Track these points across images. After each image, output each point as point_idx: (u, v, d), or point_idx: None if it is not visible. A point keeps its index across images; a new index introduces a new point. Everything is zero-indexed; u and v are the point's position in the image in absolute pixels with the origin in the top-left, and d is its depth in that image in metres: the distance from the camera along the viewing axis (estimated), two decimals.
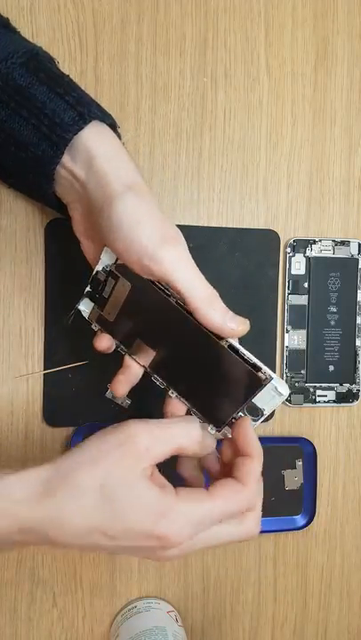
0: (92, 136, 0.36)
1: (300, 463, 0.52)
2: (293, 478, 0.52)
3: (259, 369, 0.35)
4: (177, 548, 0.32)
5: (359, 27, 0.52)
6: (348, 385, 0.53)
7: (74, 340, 0.47)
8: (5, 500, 0.31)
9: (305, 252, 0.52)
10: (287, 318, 0.52)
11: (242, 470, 0.35)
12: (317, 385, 0.52)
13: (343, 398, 0.53)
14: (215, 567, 0.52)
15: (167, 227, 0.35)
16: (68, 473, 0.32)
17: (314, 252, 0.52)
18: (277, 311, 0.52)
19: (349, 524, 0.55)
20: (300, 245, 0.52)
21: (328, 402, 0.53)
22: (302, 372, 0.52)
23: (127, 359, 0.40)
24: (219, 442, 0.38)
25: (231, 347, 0.35)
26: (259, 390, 0.35)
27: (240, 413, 0.37)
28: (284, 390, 0.36)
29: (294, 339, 0.52)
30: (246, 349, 0.36)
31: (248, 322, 0.36)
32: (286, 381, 0.51)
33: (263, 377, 0.35)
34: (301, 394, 0.52)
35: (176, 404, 0.39)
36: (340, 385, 0.53)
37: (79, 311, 0.41)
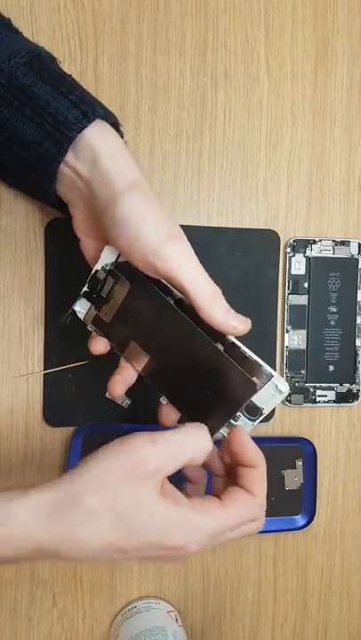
0: (96, 134, 0.36)
1: (300, 463, 0.52)
2: (293, 478, 0.52)
3: (256, 372, 0.35)
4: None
5: (359, 27, 0.52)
6: (348, 385, 0.53)
7: (74, 340, 0.47)
8: (14, 525, 0.30)
9: (305, 252, 0.52)
10: (287, 318, 0.52)
11: (249, 481, 0.35)
12: (317, 385, 0.52)
13: (343, 398, 0.53)
14: (215, 567, 0.52)
15: (171, 224, 0.35)
16: (77, 497, 0.31)
17: (314, 251, 0.52)
18: (277, 311, 0.52)
19: (349, 524, 0.55)
20: (300, 245, 0.52)
21: (328, 402, 0.53)
22: (302, 371, 0.52)
23: (123, 360, 0.40)
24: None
25: (233, 344, 0.36)
26: (253, 395, 0.36)
27: (233, 420, 0.37)
28: (285, 388, 0.36)
29: (294, 339, 0.52)
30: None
31: (250, 321, 0.36)
32: (286, 381, 0.51)
33: (258, 382, 0.35)
34: (301, 394, 0.52)
35: (169, 411, 0.39)
36: (340, 385, 0.53)
37: (75, 312, 0.41)
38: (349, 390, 0.53)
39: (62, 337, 0.48)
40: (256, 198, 0.51)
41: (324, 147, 0.52)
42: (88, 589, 0.50)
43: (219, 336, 0.36)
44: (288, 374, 0.52)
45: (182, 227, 0.37)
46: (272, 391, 0.36)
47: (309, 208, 0.52)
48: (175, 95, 0.49)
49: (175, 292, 0.37)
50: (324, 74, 0.52)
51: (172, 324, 0.36)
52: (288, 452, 0.52)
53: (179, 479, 0.37)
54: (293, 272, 0.52)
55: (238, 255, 0.51)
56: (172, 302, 0.36)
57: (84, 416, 0.49)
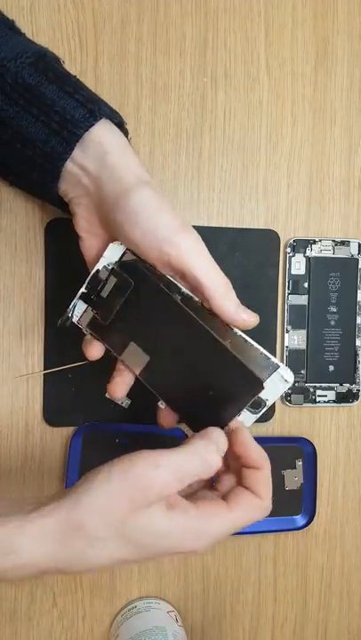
0: (102, 132, 0.36)
1: (300, 463, 0.52)
2: (293, 478, 0.52)
3: (262, 363, 0.35)
4: None
5: (359, 27, 0.52)
6: (348, 385, 0.53)
7: (74, 340, 0.47)
8: (20, 555, 0.30)
9: (305, 252, 0.52)
10: (287, 318, 0.52)
11: (253, 483, 0.35)
12: (317, 385, 0.52)
13: (343, 398, 0.53)
14: (215, 567, 0.52)
15: (181, 218, 0.36)
16: (81, 525, 0.30)
17: (314, 251, 0.52)
18: (277, 311, 0.52)
19: (349, 524, 0.55)
20: (300, 245, 0.52)
21: (328, 402, 0.53)
22: (302, 372, 0.52)
23: (120, 362, 0.40)
24: None
25: (240, 337, 0.36)
26: (260, 392, 0.35)
27: (237, 417, 0.37)
28: (290, 378, 0.36)
29: (294, 339, 0.52)
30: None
31: (257, 316, 0.36)
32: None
33: (264, 375, 0.35)
34: (301, 394, 0.52)
35: (167, 413, 0.39)
36: (341, 385, 0.53)
37: (71, 315, 0.40)
38: (349, 390, 0.53)
39: (62, 337, 0.48)
40: (256, 198, 0.51)
41: (324, 147, 0.52)
42: (88, 589, 0.50)
43: (222, 334, 0.36)
44: None
45: None
46: (278, 381, 0.36)
47: (309, 208, 0.52)
48: (175, 95, 0.49)
49: (182, 288, 0.37)
50: (324, 74, 0.52)
51: (177, 323, 0.36)
52: (288, 452, 0.52)
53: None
54: (293, 272, 0.52)
55: (238, 255, 0.51)
56: (178, 300, 0.36)
57: (84, 416, 0.49)
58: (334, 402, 0.53)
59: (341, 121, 0.52)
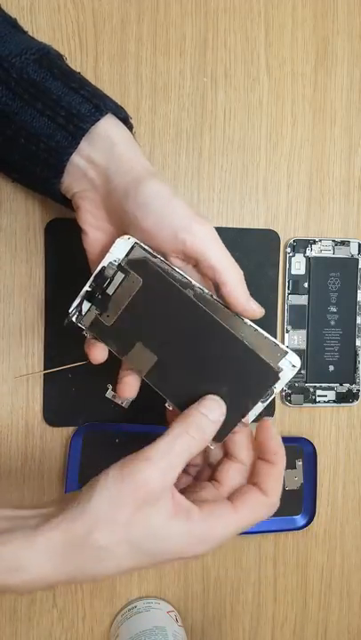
0: (108, 126, 0.37)
1: (300, 463, 0.52)
2: (293, 478, 0.52)
3: (270, 350, 0.36)
4: None
5: (359, 27, 0.52)
6: (348, 385, 0.53)
7: (74, 340, 0.47)
8: (29, 571, 0.30)
9: (305, 252, 0.52)
10: (287, 318, 0.52)
11: (265, 478, 0.35)
12: (317, 385, 0.52)
13: (343, 398, 0.53)
14: (215, 567, 0.52)
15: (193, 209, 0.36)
16: (86, 536, 0.30)
17: (314, 251, 0.52)
18: (277, 311, 0.52)
19: (349, 524, 0.55)
20: (300, 245, 0.52)
21: (328, 402, 0.53)
22: (302, 372, 0.52)
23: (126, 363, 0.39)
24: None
25: (251, 326, 0.36)
26: (276, 383, 0.36)
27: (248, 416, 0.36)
28: (298, 362, 0.36)
29: (294, 339, 0.52)
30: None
31: (263, 309, 0.37)
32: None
33: (279, 371, 0.35)
34: (301, 394, 0.52)
35: (176, 414, 0.38)
36: (341, 385, 0.53)
37: (73, 315, 0.39)
38: (349, 390, 0.53)
39: (62, 337, 0.48)
40: (256, 198, 0.51)
41: (324, 147, 0.52)
42: (88, 589, 0.50)
43: (235, 327, 0.36)
44: None
45: None
46: (286, 367, 0.36)
47: (309, 208, 0.52)
48: (175, 95, 0.49)
49: (192, 281, 0.36)
50: (324, 74, 0.52)
51: (189, 319, 0.36)
52: (288, 452, 0.51)
53: None
54: (293, 272, 0.52)
55: (238, 255, 0.50)
56: (191, 295, 0.36)
57: (84, 416, 0.49)
58: (334, 402, 0.53)
59: (341, 121, 0.52)
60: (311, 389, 0.52)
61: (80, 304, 0.38)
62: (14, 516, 0.32)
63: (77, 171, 0.37)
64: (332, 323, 0.52)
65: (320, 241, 0.52)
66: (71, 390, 0.49)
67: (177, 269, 0.37)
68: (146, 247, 0.37)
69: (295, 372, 0.36)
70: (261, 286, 0.51)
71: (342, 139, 0.52)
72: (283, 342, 0.52)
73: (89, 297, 0.38)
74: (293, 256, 0.51)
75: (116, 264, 0.37)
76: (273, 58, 0.51)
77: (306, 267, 0.52)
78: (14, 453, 0.49)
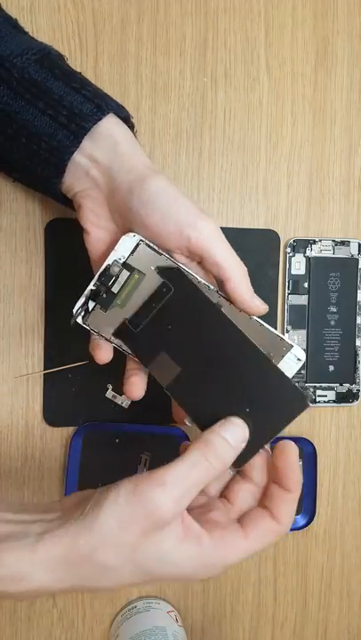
0: (110, 125, 0.37)
1: (300, 463, 0.52)
2: None
3: (277, 344, 0.35)
4: None
5: (359, 27, 0.52)
6: (348, 385, 0.53)
7: (74, 340, 0.47)
8: (31, 581, 0.29)
9: (305, 252, 0.52)
10: (287, 318, 0.52)
11: (277, 505, 0.33)
12: (317, 385, 0.52)
13: (343, 398, 0.53)
14: None
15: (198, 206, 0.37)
16: (90, 554, 0.29)
17: (314, 251, 0.52)
18: (277, 311, 0.52)
19: (349, 524, 0.55)
20: (300, 245, 0.52)
21: (328, 402, 0.53)
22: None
23: (135, 363, 0.39)
24: None
25: (256, 321, 0.36)
26: (303, 410, 0.34)
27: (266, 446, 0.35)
28: (302, 356, 0.36)
29: (294, 339, 0.52)
30: None
31: (267, 306, 0.37)
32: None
33: (308, 397, 0.35)
34: None
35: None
36: (341, 385, 0.53)
37: (79, 314, 0.38)
38: (349, 390, 0.53)
39: (62, 337, 0.48)
40: (256, 198, 0.51)
41: (324, 147, 0.52)
42: None
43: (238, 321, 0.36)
44: None
45: None
46: (292, 361, 0.36)
47: (309, 208, 0.52)
48: (175, 95, 0.49)
49: (198, 278, 0.36)
50: (324, 74, 0.52)
51: (218, 333, 0.35)
52: None
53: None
54: (293, 272, 0.52)
55: (238, 255, 0.50)
56: (222, 310, 0.35)
57: (84, 416, 0.49)
58: (334, 402, 0.53)
59: (341, 121, 0.52)
60: (311, 389, 0.52)
61: (85, 303, 0.38)
62: (16, 520, 0.32)
63: (79, 169, 0.37)
64: (332, 323, 0.52)
65: (320, 241, 0.52)
66: (71, 390, 0.49)
67: (203, 281, 0.36)
68: (151, 244, 0.36)
69: (300, 366, 0.36)
70: (261, 286, 0.51)
71: (342, 139, 0.52)
72: None
73: (94, 296, 0.37)
74: (293, 256, 0.51)
75: (121, 262, 0.37)
76: (273, 58, 0.51)
77: (306, 267, 0.52)
78: (14, 453, 0.49)
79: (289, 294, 0.52)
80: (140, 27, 0.48)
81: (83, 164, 0.37)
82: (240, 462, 0.34)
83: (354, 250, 0.52)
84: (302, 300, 0.52)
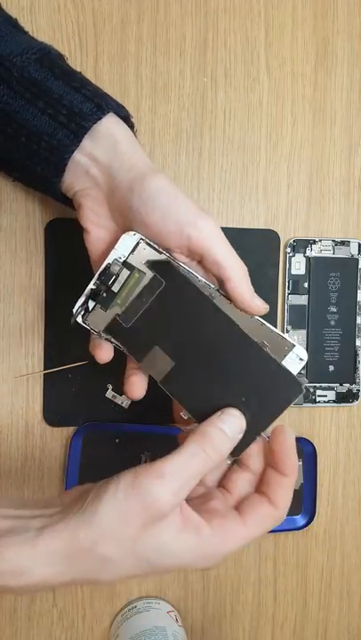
0: (110, 125, 0.37)
1: (300, 463, 0.52)
2: None
3: (279, 343, 0.35)
4: None
5: (359, 27, 0.52)
6: (348, 385, 0.53)
7: (74, 340, 0.47)
8: (31, 575, 0.29)
9: (305, 252, 0.52)
10: (287, 318, 0.52)
11: (275, 489, 0.34)
12: (317, 385, 0.52)
13: (343, 398, 0.53)
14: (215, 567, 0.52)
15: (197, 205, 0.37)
16: (91, 547, 0.30)
17: (314, 252, 0.52)
18: (277, 311, 0.52)
19: (349, 524, 0.55)
20: (300, 245, 0.52)
21: (328, 402, 0.53)
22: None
23: (135, 365, 0.38)
24: None
25: (258, 320, 0.36)
26: (299, 395, 0.34)
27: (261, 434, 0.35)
28: (305, 356, 0.36)
29: (294, 339, 0.52)
30: None
31: (267, 305, 0.37)
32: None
33: (303, 384, 0.34)
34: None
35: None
36: (341, 385, 0.53)
37: (79, 314, 0.38)
38: (349, 390, 0.53)
39: (62, 337, 0.48)
40: (256, 198, 0.51)
41: (324, 147, 0.52)
42: (88, 589, 0.50)
43: (251, 328, 0.36)
44: None
45: None
46: (294, 361, 0.36)
47: (309, 208, 0.52)
48: (175, 95, 0.49)
49: (212, 286, 0.36)
50: (324, 74, 0.52)
51: (210, 325, 0.35)
52: None
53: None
54: (293, 272, 0.52)
55: (238, 255, 0.50)
56: (214, 302, 0.35)
57: (84, 416, 0.49)
58: (334, 402, 0.53)
59: (341, 121, 0.52)
60: (311, 389, 0.52)
61: (85, 302, 0.37)
62: (16, 516, 0.32)
63: (79, 169, 0.37)
64: (333, 323, 0.52)
65: (320, 241, 0.52)
66: (71, 390, 0.49)
67: (197, 274, 0.36)
68: (151, 243, 0.36)
69: (303, 365, 0.36)
70: (261, 286, 0.51)
71: (342, 139, 0.52)
72: None
73: (94, 295, 0.37)
74: (293, 256, 0.51)
75: (122, 261, 0.37)
76: (273, 58, 0.51)
77: (306, 267, 0.52)
78: (14, 453, 0.49)
79: (289, 294, 0.52)
80: (140, 27, 0.48)
81: (83, 163, 0.37)
82: (237, 452, 0.35)
83: (354, 250, 0.53)
84: (302, 300, 0.52)
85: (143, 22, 0.48)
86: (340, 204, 0.53)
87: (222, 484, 0.36)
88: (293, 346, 0.36)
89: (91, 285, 0.37)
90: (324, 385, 0.53)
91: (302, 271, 0.52)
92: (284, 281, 0.52)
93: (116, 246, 0.37)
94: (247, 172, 0.51)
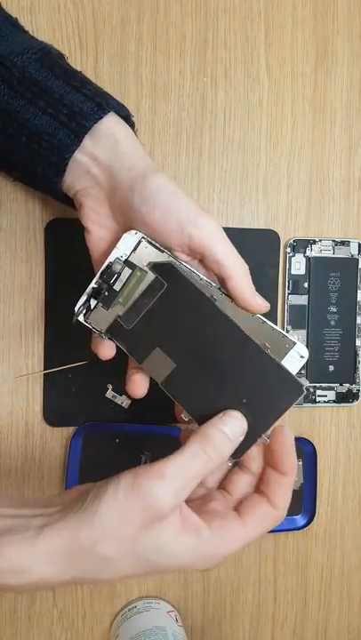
0: (111, 124, 0.37)
1: (300, 463, 0.52)
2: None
3: (280, 341, 0.35)
4: None
5: (359, 27, 0.52)
6: (348, 385, 0.53)
7: (74, 340, 0.47)
8: (31, 573, 0.29)
9: (305, 252, 0.52)
10: (287, 318, 0.52)
11: (274, 489, 0.34)
12: (317, 385, 0.52)
13: (343, 398, 0.53)
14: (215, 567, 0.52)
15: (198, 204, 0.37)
16: (91, 547, 0.30)
17: (314, 252, 0.52)
18: (277, 311, 0.52)
19: (349, 524, 0.55)
20: (300, 245, 0.52)
21: (328, 402, 0.53)
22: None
23: (136, 365, 0.38)
24: None
25: (259, 318, 0.36)
26: (300, 397, 0.34)
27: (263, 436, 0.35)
28: (306, 353, 0.36)
29: (294, 339, 0.52)
30: None
31: (268, 304, 0.37)
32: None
33: (304, 385, 0.34)
34: None
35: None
36: (341, 385, 0.53)
37: (81, 312, 0.38)
38: (349, 390, 0.53)
39: (62, 337, 0.48)
40: (256, 198, 0.51)
41: (324, 147, 0.52)
42: (88, 589, 0.50)
43: (251, 327, 0.35)
44: None
45: None
46: (295, 359, 0.36)
47: (309, 208, 0.52)
48: (175, 95, 0.49)
49: (214, 285, 0.36)
50: (324, 74, 0.52)
51: (211, 327, 0.35)
52: None
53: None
54: (293, 272, 0.52)
55: None
56: (216, 303, 0.35)
57: (84, 416, 0.49)
58: (334, 402, 0.53)
59: (341, 121, 0.52)
60: (311, 389, 0.52)
61: (87, 301, 0.37)
62: (16, 515, 0.32)
63: (80, 168, 0.37)
64: (333, 323, 0.52)
65: (320, 241, 0.52)
66: (71, 390, 0.49)
67: (198, 273, 0.36)
68: (153, 241, 0.36)
69: (303, 363, 0.36)
70: (261, 286, 0.50)
71: (342, 139, 0.52)
72: None
73: (95, 294, 0.37)
74: (293, 256, 0.51)
75: (123, 259, 0.37)
76: (273, 58, 0.51)
77: (306, 267, 0.52)
78: (14, 453, 0.49)
79: (289, 294, 0.52)
80: (140, 27, 0.48)
81: (83, 163, 0.37)
82: (238, 453, 0.34)
83: (354, 250, 0.53)
84: (302, 300, 0.52)
85: (143, 22, 0.48)
86: (340, 204, 0.53)
87: (223, 485, 0.36)
88: (294, 344, 0.36)
89: (92, 284, 0.37)
90: (324, 385, 0.53)
91: (302, 271, 0.52)
92: (284, 281, 0.52)
93: (117, 245, 0.37)
94: (247, 171, 0.51)
